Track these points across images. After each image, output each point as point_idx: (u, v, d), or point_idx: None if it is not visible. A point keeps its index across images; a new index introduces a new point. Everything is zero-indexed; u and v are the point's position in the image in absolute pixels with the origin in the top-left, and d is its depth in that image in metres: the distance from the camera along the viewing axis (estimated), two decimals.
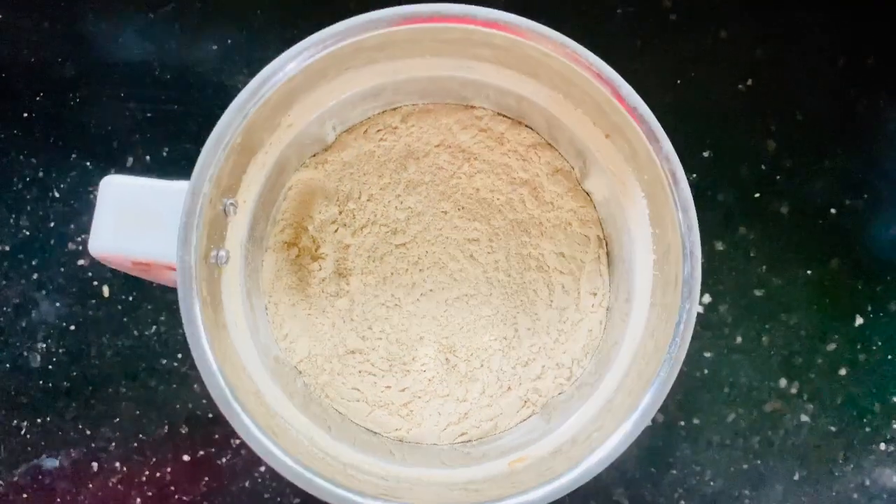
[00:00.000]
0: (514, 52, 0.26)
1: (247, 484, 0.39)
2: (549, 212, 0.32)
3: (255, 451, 0.23)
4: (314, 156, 0.31)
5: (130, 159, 0.41)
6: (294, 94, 0.27)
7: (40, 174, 0.41)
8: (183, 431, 0.39)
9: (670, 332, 0.25)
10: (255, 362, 0.26)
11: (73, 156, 0.41)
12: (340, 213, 0.32)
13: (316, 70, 0.25)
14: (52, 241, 0.41)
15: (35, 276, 0.40)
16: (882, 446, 0.39)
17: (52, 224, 0.41)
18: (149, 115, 0.41)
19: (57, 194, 0.41)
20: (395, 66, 0.28)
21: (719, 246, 0.41)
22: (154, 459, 0.39)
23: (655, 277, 0.26)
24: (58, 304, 0.40)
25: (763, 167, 0.41)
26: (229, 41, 0.42)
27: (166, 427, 0.39)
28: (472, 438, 0.30)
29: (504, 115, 0.32)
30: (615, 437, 0.25)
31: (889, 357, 0.40)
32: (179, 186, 0.24)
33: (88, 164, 0.41)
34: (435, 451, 0.29)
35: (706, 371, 0.40)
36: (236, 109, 0.23)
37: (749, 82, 0.41)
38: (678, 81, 0.41)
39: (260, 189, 0.27)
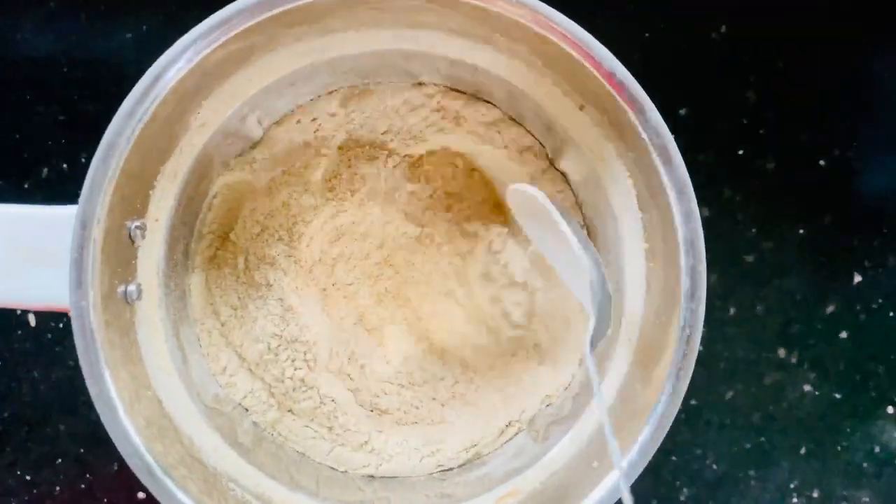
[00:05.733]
0: (466, 15, 0.23)
1: None
2: None
3: None
4: (240, 155, 0.27)
5: (45, 170, 0.37)
6: (203, 87, 0.23)
7: None
8: None
9: (669, 356, 0.22)
10: (187, 410, 0.23)
11: None
12: (274, 218, 0.28)
13: (224, 57, 0.22)
14: None
15: None
16: (889, 409, 0.38)
17: None
18: (61, 117, 0.38)
19: None
20: (323, 42, 0.24)
21: (704, 212, 0.38)
22: (106, 500, 0.37)
23: (650, 270, 0.23)
24: None
25: (744, 121, 0.38)
26: (145, 27, 0.38)
27: (116, 464, 0.37)
28: (451, 467, 0.26)
29: (458, 91, 0.28)
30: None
31: (891, 314, 0.38)
32: (71, 212, 0.20)
33: None
34: (409, 483, 0.26)
35: (700, 347, 0.38)
36: (125, 116, 0.19)
37: (723, 29, 0.39)
38: (646, 35, 0.38)
39: (175, 203, 0.24)
